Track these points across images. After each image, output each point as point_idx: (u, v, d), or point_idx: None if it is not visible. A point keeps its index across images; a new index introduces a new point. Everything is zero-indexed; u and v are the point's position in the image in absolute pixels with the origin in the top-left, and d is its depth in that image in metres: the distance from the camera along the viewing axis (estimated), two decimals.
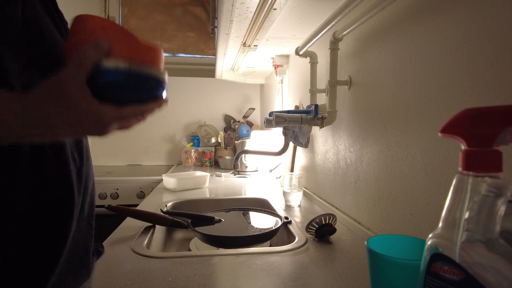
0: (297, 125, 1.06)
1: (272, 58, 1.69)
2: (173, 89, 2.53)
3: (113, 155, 2.44)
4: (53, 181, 0.51)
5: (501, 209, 0.28)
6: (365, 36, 0.87)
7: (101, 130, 0.43)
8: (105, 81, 0.41)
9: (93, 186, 0.64)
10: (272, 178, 1.76)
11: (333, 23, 0.92)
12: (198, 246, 0.95)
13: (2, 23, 0.45)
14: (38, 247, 0.49)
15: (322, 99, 1.16)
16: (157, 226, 0.93)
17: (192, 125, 2.58)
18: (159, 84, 0.45)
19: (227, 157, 2.28)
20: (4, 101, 0.38)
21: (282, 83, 1.74)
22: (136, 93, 0.44)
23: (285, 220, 0.94)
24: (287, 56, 1.66)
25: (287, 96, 1.69)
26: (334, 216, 0.81)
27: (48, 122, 0.40)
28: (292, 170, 1.51)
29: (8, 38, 0.46)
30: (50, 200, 0.50)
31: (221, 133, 2.43)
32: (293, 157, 1.51)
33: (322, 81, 1.16)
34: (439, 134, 0.32)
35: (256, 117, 2.63)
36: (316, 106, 1.07)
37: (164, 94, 0.47)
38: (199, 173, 1.67)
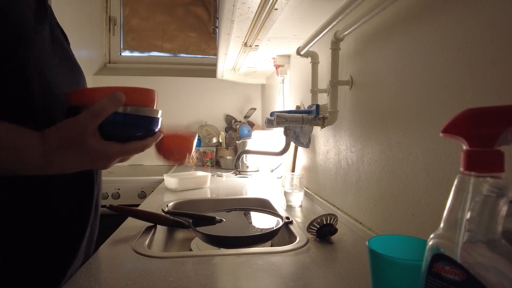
0: (298, 125, 1.06)
1: (273, 58, 1.69)
2: (174, 89, 2.54)
3: None
4: (81, 180, 0.63)
5: (503, 209, 0.28)
6: (366, 36, 0.87)
7: (105, 163, 0.50)
8: (105, 121, 0.47)
9: (101, 183, 0.75)
10: (273, 178, 1.76)
11: (334, 23, 0.92)
12: (199, 246, 0.95)
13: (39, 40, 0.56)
14: (70, 234, 0.62)
15: (323, 99, 1.16)
16: (158, 226, 0.93)
17: (193, 125, 2.58)
18: (153, 122, 0.53)
19: (228, 157, 2.28)
20: (29, 143, 0.45)
21: (283, 83, 1.74)
22: (133, 130, 0.51)
23: (286, 220, 0.94)
24: (288, 56, 1.66)
25: (288, 96, 1.69)
26: (335, 216, 0.81)
27: (63, 158, 0.47)
28: (293, 170, 1.51)
29: (47, 57, 0.58)
30: (79, 196, 0.63)
31: (222, 133, 2.43)
32: (294, 157, 1.51)
33: (324, 81, 1.16)
34: (441, 134, 0.32)
35: (257, 117, 2.63)
36: (318, 106, 1.07)
37: (158, 128, 0.55)
38: (200, 173, 1.67)
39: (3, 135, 0.44)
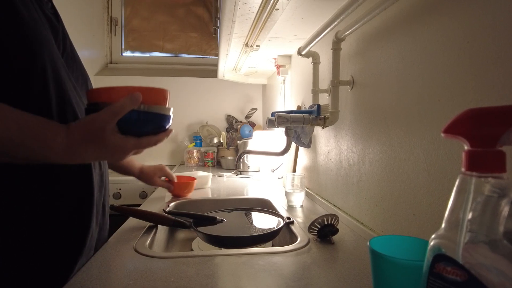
0: (299, 125, 1.06)
1: (275, 58, 1.69)
2: (176, 89, 2.54)
3: None
4: (80, 181, 0.66)
5: (505, 209, 0.28)
6: (367, 36, 0.87)
7: (121, 156, 0.55)
8: (123, 118, 0.52)
9: (108, 192, 0.80)
10: (274, 179, 1.76)
11: (335, 23, 0.92)
12: (200, 246, 0.95)
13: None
14: (72, 235, 0.64)
15: (324, 99, 1.16)
16: (160, 226, 0.93)
17: (194, 125, 2.58)
18: (165, 119, 0.57)
19: (229, 157, 2.28)
20: (57, 134, 0.50)
21: (284, 83, 1.74)
22: (147, 126, 0.56)
23: (287, 221, 0.94)
24: (290, 56, 1.66)
25: (290, 96, 1.69)
26: (336, 216, 0.81)
27: (85, 149, 0.52)
28: (294, 171, 1.51)
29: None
30: (79, 197, 0.65)
31: (224, 133, 2.43)
32: (295, 157, 1.51)
33: (325, 81, 1.16)
34: (442, 135, 0.32)
35: (258, 117, 2.63)
36: (319, 106, 1.06)
37: (170, 124, 0.59)
38: (201, 173, 1.67)
39: (35, 126, 0.50)
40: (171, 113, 0.59)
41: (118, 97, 0.52)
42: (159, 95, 0.57)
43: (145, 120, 0.55)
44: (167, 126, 0.58)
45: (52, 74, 0.59)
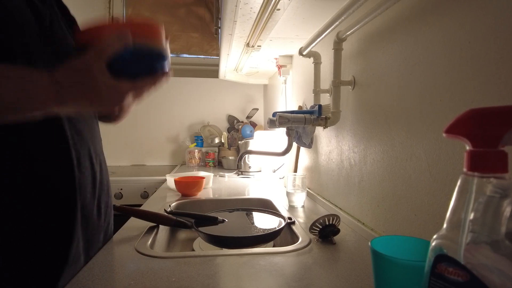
0: (300, 125, 1.06)
1: (276, 59, 1.69)
2: (177, 89, 2.54)
3: (117, 155, 2.45)
4: (62, 182, 0.61)
5: (507, 210, 0.28)
6: (369, 36, 0.87)
7: (118, 99, 0.50)
8: (114, 59, 0.48)
9: (108, 192, 0.77)
10: (275, 179, 1.76)
11: (336, 23, 0.92)
12: (201, 246, 0.95)
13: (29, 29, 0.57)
14: (55, 239, 0.59)
15: (325, 100, 1.15)
16: (161, 226, 0.93)
17: (195, 126, 2.58)
18: (160, 57, 0.53)
19: (230, 158, 2.28)
20: (39, 79, 0.47)
21: (285, 83, 1.74)
22: (141, 65, 0.51)
23: (288, 221, 0.94)
24: (291, 57, 1.66)
25: (291, 96, 1.69)
26: (337, 216, 0.81)
27: (73, 94, 0.48)
28: (295, 171, 1.51)
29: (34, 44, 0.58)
30: (60, 199, 0.60)
31: (225, 134, 2.44)
32: (296, 157, 1.51)
33: (326, 81, 1.15)
34: (444, 135, 0.32)
35: (259, 117, 2.63)
36: (320, 106, 1.06)
37: (167, 66, 0.54)
38: (202, 173, 1.68)
39: (14, 74, 0.47)
40: (166, 53, 0.54)
41: (107, 35, 0.48)
42: (152, 31, 0.52)
43: (137, 59, 0.50)
44: (163, 67, 0.54)
45: (22, 59, 0.54)
